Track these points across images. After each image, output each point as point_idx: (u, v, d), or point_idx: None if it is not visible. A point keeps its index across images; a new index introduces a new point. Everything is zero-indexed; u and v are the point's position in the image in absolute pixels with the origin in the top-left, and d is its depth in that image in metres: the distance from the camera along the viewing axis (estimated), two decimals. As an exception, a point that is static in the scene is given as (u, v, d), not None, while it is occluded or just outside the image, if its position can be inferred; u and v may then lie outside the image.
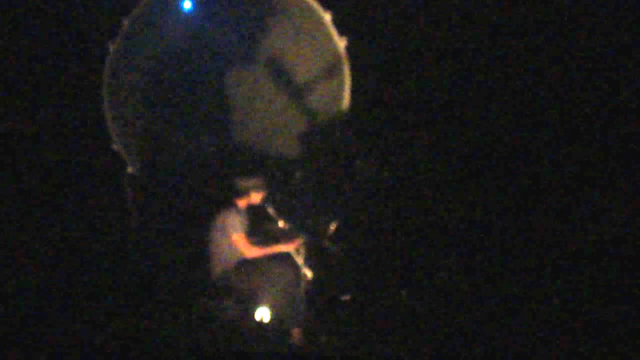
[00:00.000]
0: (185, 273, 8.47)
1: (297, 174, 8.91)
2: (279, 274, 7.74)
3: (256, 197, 7.96)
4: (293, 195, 8.83)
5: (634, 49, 8.45)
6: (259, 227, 8.15)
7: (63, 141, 9.09)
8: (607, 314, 7.76)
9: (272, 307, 7.63)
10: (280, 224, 8.07)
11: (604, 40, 8.55)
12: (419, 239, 8.86)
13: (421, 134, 9.16)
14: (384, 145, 9.19)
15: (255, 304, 7.65)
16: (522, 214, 8.71)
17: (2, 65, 9.03)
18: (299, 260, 7.85)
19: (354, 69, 8.88)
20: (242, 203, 7.93)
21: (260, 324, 7.61)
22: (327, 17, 8.77)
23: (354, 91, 8.92)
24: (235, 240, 7.73)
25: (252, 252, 7.77)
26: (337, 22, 8.80)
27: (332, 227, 8.56)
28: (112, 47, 8.72)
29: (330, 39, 8.82)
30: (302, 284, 7.77)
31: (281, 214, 8.12)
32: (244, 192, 7.89)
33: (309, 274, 7.84)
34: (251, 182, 7.92)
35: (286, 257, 7.88)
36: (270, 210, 8.07)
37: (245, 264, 7.77)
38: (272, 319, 7.62)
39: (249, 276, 7.73)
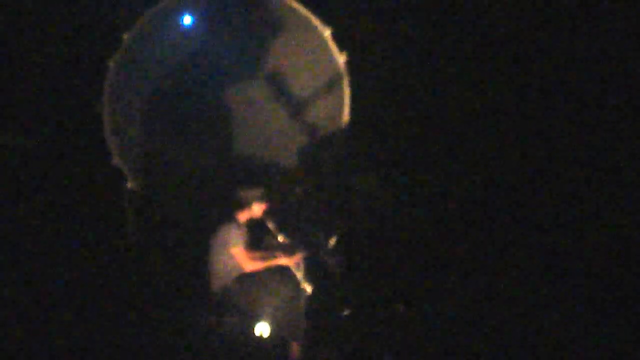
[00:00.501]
0: (185, 288, 8.45)
1: (297, 189, 8.90)
2: (279, 288, 7.73)
3: (257, 210, 7.94)
4: (293, 209, 8.83)
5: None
6: (258, 241, 8.14)
7: (63, 156, 9.07)
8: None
9: (272, 322, 7.60)
10: (280, 238, 8.05)
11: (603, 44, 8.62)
12: (418, 254, 8.84)
13: (421, 149, 9.18)
14: (384, 160, 9.21)
15: (255, 318, 7.63)
16: (523, 232, 8.73)
17: (2, 80, 9.02)
18: (299, 274, 7.83)
19: (353, 84, 8.90)
20: (242, 217, 7.90)
21: (260, 338, 7.58)
22: (327, 32, 8.80)
23: (353, 106, 8.93)
24: (234, 254, 7.70)
25: (252, 266, 7.75)
26: (336, 38, 8.83)
27: (332, 241, 8.55)
28: (112, 63, 8.71)
29: (330, 54, 8.85)
30: (302, 298, 7.75)
31: (281, 228, 8.09)
32: (246, 203, 7.87)
33: (308, 288, 7.81)
34: (253, 192, 7.91)
35: (286, 272, 7.86)
36: (270, 225, 8.04)
37: (245, 279, 7.75)
38: (271, 334, 7.59)
39: (248, 291, 7.71)
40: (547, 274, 8.43)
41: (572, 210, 8.60)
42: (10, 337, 7.80)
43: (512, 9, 8.91)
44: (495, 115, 9.01)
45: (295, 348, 7.69)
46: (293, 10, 8.78)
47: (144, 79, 8.92)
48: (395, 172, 9.19)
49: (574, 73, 8.71)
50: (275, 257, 7.88)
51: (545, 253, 8.57)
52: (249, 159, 9.13)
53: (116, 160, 8.78)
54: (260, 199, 7.92)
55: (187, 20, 8.80)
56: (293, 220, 8.68)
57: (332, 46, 8.82)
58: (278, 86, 9.02)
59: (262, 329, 7.58)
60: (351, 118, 8.93)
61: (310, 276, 7.91)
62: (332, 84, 8.92)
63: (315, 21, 8.80)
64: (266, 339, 7.58)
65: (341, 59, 8.84)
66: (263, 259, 7.87)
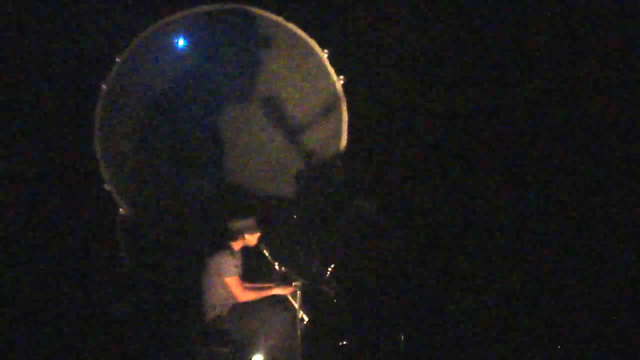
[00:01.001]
0: (178, 317, 8.40)
1: (293, 215, 8.81)
2: (275, 318, 7.69)
3: (251, 239, 7.85)
4: (289, 236, 8.75)
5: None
6: (253, 269, 8.10)
7: (54, 181, 8.99)
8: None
9: (268, 353, 7.57)
10: (276, 266, 7.96)
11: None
12: (417, 282, 8.79)
13: (419, 174, 9.16)
14: (382, 185, 9.18)
15: (250, 350, 7.57)
16: (522, 260, 8.74)
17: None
18: (295, 303, 7.72)
19: (351, 107, 8.82)
20: (236, 245, 7.84)
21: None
22: (325, 55, 8.73)
23: (351, 130, 8.84)
24: (229, 284, 7.64)
25: (246, 296, 7.70)
26: (334, 61, 8.77)
27: (329, 269, 8.45)
28: (104, 86, 8.60)
29: (327, 77, 8.78)
30: (298, 327, 7.63)
31: (277, 256, 8.01)
32: (238, 234, 7.78)
33: (305, 317, 7.73)
34: (244, 223, 7.81)
35: (282, 301, 7.82)
36: (266, 252, 7.95)
37: (240, 308, 7.70)
38: (267, 365, 7.51)
39: (243, 321, 7.66)
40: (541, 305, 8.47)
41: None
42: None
43: (507, 31, 8.98)
44: (494, 139, 9.04)
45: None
46: (289, 32, 8.73)
47: (136, 103, 8.84)
48: (392, 198, 9.16)
49: (566, 83, 8.85)
50: (270, 287, 7.82)
51: (542, 286, 8.59)
52: (244, 184, 9.03)
53: (108, 186, 8.64)
54: (253, 229, 7.82)
55: (181, 42, 8.74)
56: (289, 247, 8.62)
57: (330, 69, 8.76)
58: (274, 110, 8.96)
59: (257, 361, 7.52)
60: (348, 143, 8.85)
61: (307, 305, 7.81)
62: (329, 108, 8.85)
63: (313, 43, 8.74)
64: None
65: (339, 82, 8.76)
66: (258, 289, 7.82)
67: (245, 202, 8.85)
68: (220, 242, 7.80)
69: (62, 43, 8.94)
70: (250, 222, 7.82)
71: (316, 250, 8.70)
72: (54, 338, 8.32)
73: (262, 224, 7.94)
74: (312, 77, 8.87)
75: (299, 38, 8.72)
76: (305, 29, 8.72)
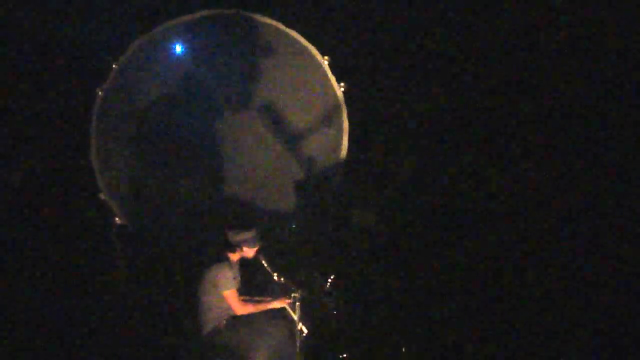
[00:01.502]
0: (175, 329, 8.38)
1: (292, 225, 8.77)
2: (273, 330, 7.66)
3: (249, 251, 7.79)
4: (288, 247, 8.72)
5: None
6: (252, 281, 8.07)
7: (49, 190, 8.97)
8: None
9: (266, 365, 7.53)
10: (275, 277, 7.87)
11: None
12: (418, 292, 8.80)
13: (420, 184, 9.15)
14: (382, 195, 9.16)
15: (248, 361, 7.54)
16: (526, 271, 8.73)
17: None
18: (294, 315, 7.66)
19: (352, 115, 8.79)
20: (234, 257, 7.78)
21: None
22: (325, 62, 8.71)
23: (352, 139, 8.81)
24: (226, 297, 7.60)
25: (244, 309, 7.67)
26: (335, 68, 8.74)
27: (329, 280, 8.46)
28: (100, 92, 8.56)
29: (328, 84, 8.75)
30: (297, 339, 7.58)
31: (275, 267, 7.92)
32: (236, 246, 7.71)
33: (304, 329, 7.67)
34: (243, 235, 7.73)
35: (280, 313, 7.79)
36: (265, 263, 7.88)
37: (238, 320, 7.67)
38: (265, 378, 7.51)
39: (241, 333, 7.61)
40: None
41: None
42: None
43: (509, 36, 9.00)
44: (496, 145, 9.06)
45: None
46: (290, 39, 8.70)
47: (133, 110, 8.78)
48: (394, 207, 9.14)
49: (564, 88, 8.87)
50: (268, 301, 7.79)
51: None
52: (242, 193, 8.96)
53: (104, 195, 8.59)
54: (253, 242, 7.75)
55: (179, 48, 8.70)
56: (288, 258, 8.58)
57: (330, 76, 8.74)
58: (273, 117, 8.91)
59: (255, 373, 7.52)
60: (349, 151, 8.83)
61: (306, 316, 7.74)
62: (330, 116, 8.82)
63: (313, 50, 8.72)
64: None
65: (340, 89, 8.72)
66: (255, 302, 7.79)
67: (244, 212, 8.79)
68: (218, 253, 7.73)
69: (59, 49, 8.89)
70: (249, 234, 7.74)
71: (316, 261, 8.69)
72: (47, 348, 8.28)
73: (262, 236, 7.87)
74: (313, 84, 8.83)
75: (300, 45, 8.69)
76: (306, 36, 8.69)
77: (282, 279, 7.86)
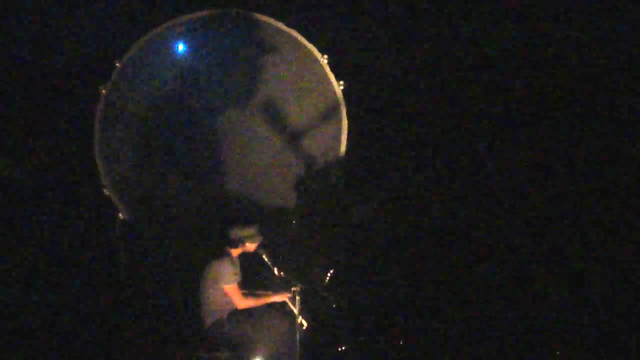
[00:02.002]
0: (177, 323, 8.36)
1: (293, 221, 8.79)
2: (274, 323, 7.69)
3: (250, 247, 7.83)
4: (289, 242, 8.72)
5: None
6: (253, 275, 8.07)
7: (54, 186, 8.98)
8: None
9: (267, 358, 7.54)
10: (275, 271, 7.92)
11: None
12: (417, 286, 8.81)
13: (420, 179, 9.15)
14: (382, 191, 9.16)
15: (249, 354, 7.55)
16: (525, 265, 8.73)
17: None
18: (294, 309, 7.71)
19: (351, 113, 8.80)
20: (235, 252, 7.82)
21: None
22: (325, 60, 8.71)
23: (351, 136, 8.83)
24: (227, 292, 7.62)
25: (245, 303, 7.68)
26: (334, 66, 8.75)
27: (328, 275, 8.45)
28: (104, 91, 8.58)
29: (327, 82, 8.76)
30: (298, 333, 7.63)
31: (276, 261, 7.97)
32: (238, 242, 7.75)
33: (304, 322, 7.72)
34: (245, 232, 7.78)
35: (281, 306, 7.83)
36: (265, 258, 7.92)
37: (239, 314, 7.68)
38: (266, 370, 7.49)
39: (242, 326, 7.64)
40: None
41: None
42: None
43: (509, 34, 9.02)
44: (496, 143, 9.07)
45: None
46: (289, 37, 8.71)
47: (136, 108, 8.79)
48: (393, 203, 9.14)
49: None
50: (268, 295, 7.82)
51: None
52: (243, 189, 8.98)
53: (108, 191, 8.63)
54: (252, 238, 7.80)
55: (181, 47, 8.70)
56: (289, 253, 8.57)
57: (330, 74, 8.74)
58: (274, 115, 8.91)
59: (256, 366, 7.50)
60: (348, 148, 8.85)
61: (306, 310, 7.80)
62: (329, 113, 8.83)
63: (313, 49, 8.73)
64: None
65: (339, 87, 8.74)
66: (256, 296, 7.81)
67: (245, 208, 8.81)
68: (220, 249, 7.76)
69: (62, 47, 8.93)
70: (251, 231, 7.79)
71: (316, 256, 8.69)
72: (52, 342, 8.32)
73: (262, 231, 7.91)
74: (312, 82, 8.83)
75: (300, 43, 8.70)
76: (305, 35, 8.70)
77: (282, 273, 7.92)
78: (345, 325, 8.38)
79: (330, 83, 8.74)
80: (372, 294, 8.73)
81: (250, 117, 8.97)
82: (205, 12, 8.63)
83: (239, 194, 8.93)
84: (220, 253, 7.72)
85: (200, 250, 8.15)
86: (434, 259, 8.93)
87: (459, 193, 9.08)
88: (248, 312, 7.68)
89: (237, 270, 7.77)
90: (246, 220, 7.88)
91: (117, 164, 8.74)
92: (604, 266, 8.43)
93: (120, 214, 8.64)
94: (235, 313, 7.67)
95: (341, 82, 8.73)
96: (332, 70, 8.73)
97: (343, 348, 8.21)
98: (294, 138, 8.95)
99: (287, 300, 7.80)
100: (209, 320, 7.67)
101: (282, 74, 8.89)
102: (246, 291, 7.78)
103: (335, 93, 8.75)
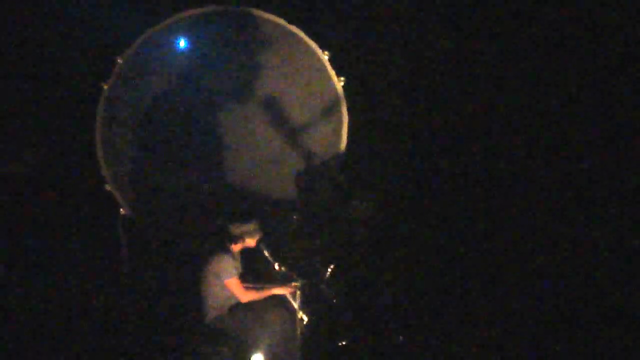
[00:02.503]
0: (179, 317, 8.38)
1: (293, 216, 8.80)
2: (274, 318, 7.66)
3: (251, 242, 7.83)
4: (289, 237, 8.75)
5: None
6: (253, 270, 8.08)
7: (55, 182, 9.01)
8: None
9: (267, 352, 7.54)
10: (276, 266, 7.94)
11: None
12: (417, 281, 8.81)
13: (419, 175, 9.18)
14: (382, 186, 9.18)
15: (250, 349, 7.55)
16: (524, 261, 8.72)
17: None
18: (295, 304, 7.73)
19: (351, 109, 8.84)
20: (236, 247, 7.81)
21: (255, 369, 7.49)
22: (325, 56, 8.73)
23: (351, 132, 8.86)
24: (229, 285, 7.61)
25: (247, 296, 7.67)
26: (335, 62, 8.77)
27: (329, 269, 8.42)
28: (105, 86, 8.61)
29: (328, 78, 8.78)
30: (298, 328, 7.66)
31: (276, 256, 7.99)
32: (238, 238, 7.75)
33: (305, 317, 7.72)
34: (245, 227, 7.76)
35: (281, 301, 7.81)
36: (266, 253, 7.94)
37: (240, 308, 7.68)
38: (267, 365, 7.50)
39: (243, 321, 7.63)
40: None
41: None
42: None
43: (508, 31, 9.00)
44: (496, 140, 9.06)
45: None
46: (290, 33, 8.72)
47: (137, 104, 8.84)
48: (393, 199, 9.15)
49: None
50: (270, 287, 7.81)
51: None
52: (244, 185, 9.03)
53: (109, 186, 8.65)
54: (253, 233, 7.80)
55: (182, 44, 8.72)
56: (289, 248, 8.62)
57: (330, 70, 8.76)
58: (274, 111, 8.94)
59: (257, 360, 7.52)
60: (348, 144, 8.87)
61: (307, 305, 7.81)
62: (330, 109, 8.85)
63: (313, 45, 8.74)
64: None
65: (339, 83, 8.76)
66: (258, 289, 7.79)
67: (245, 204, 8.85)
68: (220, 244, 7.75)
69: (64, 43, 8.92)
70: (251, 226, 7.77)
71: (316, 250, 8.69)
72: (52, 338, 8.32)
73: (263, 226, 7.90)
74: (313, 78, 8.86)
75: (300, 39, 8.72)
76: (306, 31, 8.72)
77: (282, 268, 7.93)
78: (345, 320, 8.36)
79: (330, 79, 8.76)
80: (372, 288, 8.73)
81: (251, 113, 9.01)
82: (206, 9, 8.63)
83: (239, 190, 8.97)
84: (220, 248, 7.70)
85: (201, 246, 8.12)
86: (434, 254, 8.94)
87: (460, 189, 9.08)
88: (248, 307, 7.66)
89: (238, 265, 7.78)
90: (246, 215, 7.88)
91: (118, 160, 8.77)
92: (603, 266, 8.44)
93: (122, 210, 8.66)
94: (236, 308, 7.67)
95: (342, 78, 8.75)
96: (332, 66, 8.74)
97: (343, 343, 8.20)
98: (294, 134, 8.98)
99: (288, 295, 7.79)
100: (209, 316, 7.66)
101: (282, 70, 8.93)
102: (249, 285, 7.78)
103: (335, 89, 8.77)
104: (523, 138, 8.98)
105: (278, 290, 7.78)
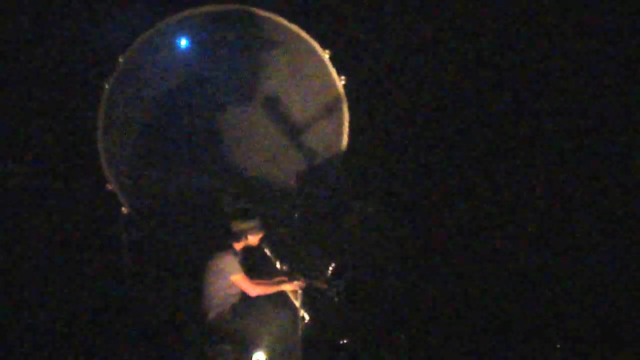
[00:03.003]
0: (181, 316, 8.38)
1: (295, 215, 8.80)
2: (276, 317, 7.66)
3: (253, 240, 7.81)
4: (291, 236, 8.75)
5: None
6: (255, 268, 8.06)
7: (57, 181, 9.02)
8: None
9: (269, 351, 7.54)
10: (277, 265, 7.96)
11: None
12: (418, 281, 8.81)
13: (421, 174, 9.19)
14: (383, 186, 9.19)
15: (252, 347, 7.55)
16: (525, 267, 8.75)
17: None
18: (296, 302, 7.71)
19: (352, 108, 8.83)
20: (238, 245, 7.78)
21: (257, 367, 7.50)
22: (327, 55, 8.73)
23: (352, 131, 8.86)
24: (236, 281, 7.58)
25: (256, 290, 7.64)
26: (336, 61, 8.77)
27: (330, 268, 8.43)
28: (107, 85, 8.60)
29: (329, 77, 8.78)
30: (299, 326, 7.63)
31: (278, 255, 8.01)
32: (240, 235, 7.74)
33: (306, 316, 7.72)
34: (248, 225, 7.75)
35: (283, 300, 7.79)
36: (267, 251, 7.95)
37: (242, 307, 7.67)
38: (268, 363, 7.51)
39: (244, 319, 7.62)
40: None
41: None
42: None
43: (509, 30, 9.02)
44: (497, 139, 9.09)
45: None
46: (292, 32, 8.73)
47: (139, 102, 8.84)
48: (394, 198, 9.17)
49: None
50: (280, 282, 7.77)
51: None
52: (245, 183, 9.02)
53: (111, 185, 8.64)
54: (255, 231, 7.78)
55: (184, 43, 8.73)
56: (291, 246, 8.60)
57: (332, 69, 8.76)
58: (276, 110, 8.95)
59: (259, 358, 7.51)
60: (350, 143, 8.87)
61: (308, 304, 7.79)
62: (331, 108, 8.85)
63: (315, 44, 8.75)
64: (263, 367, 7.51)
65: (341, 82, 8.76)
66: (267, 284, 7.77)
67: (247, 202, 8.76)
68: (222, 242, 7.74)
69: (65, 43, 8.95)
70: (253, 223, 7.76)
71: (317, 250, 8.69)
72: (55, 337, 8.31)
73: (265, 225, 7.90)
74: (314, 77, 8.87)
75: (302, 39, 8.73)
76: (307, 30, 8.72)
77: (284, 267, 7.97)
78: (346, 318, 8.36)
79: (332, 78, 8.77)
80: (373, 287, 8.72)
81: (252, 112, 9.02)
82: (207, 8, 8.64)
83: (241, 187, 8.94)
84: (223, 246, 7.69)
85: (203, 244, 8.16)
86: (434, 254, 8.95)
87: (461, 189, 9.10)
88: (250, 305, 7.65)
89: (241, 262, 7.72)
90: (248, 213, 7.88)
91: (120, 159, 8.77)
92: (603, 266, 8.47)
93: (123, 209, 8.65)
94: (238, 306, 7.66)
95: (343, 77, 8.75)
96: (333, 65, 8.75)
97: (345, 341, 8.19)
98: (295, 133, 9.00)
99: (289, 294, 7.78)
100: (211, 314, 7.64)
101: (284, 69, 8.95)
102: (258, 280, 7.77)
103: (337, 88, 8.78)
104: (523, 138, 8.99)
105: (287, 287, 7.73)
